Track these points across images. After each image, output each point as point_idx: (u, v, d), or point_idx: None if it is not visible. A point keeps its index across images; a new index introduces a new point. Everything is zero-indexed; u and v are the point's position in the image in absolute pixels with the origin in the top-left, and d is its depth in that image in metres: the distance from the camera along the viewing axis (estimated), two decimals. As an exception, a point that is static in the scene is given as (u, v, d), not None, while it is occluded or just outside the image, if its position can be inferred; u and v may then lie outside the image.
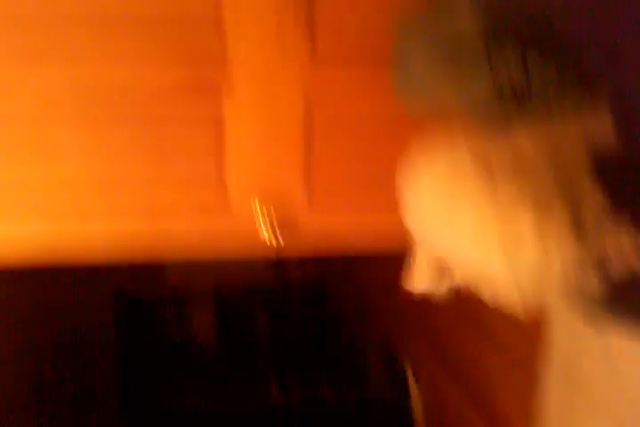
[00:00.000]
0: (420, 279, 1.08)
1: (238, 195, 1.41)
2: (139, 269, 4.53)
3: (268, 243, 1.38)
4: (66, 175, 1.35)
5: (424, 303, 3.00)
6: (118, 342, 4.36)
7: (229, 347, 4.30)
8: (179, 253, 1.42)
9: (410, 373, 3.11)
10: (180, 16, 1.30)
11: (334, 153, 1.44)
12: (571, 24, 0.73)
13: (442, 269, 1.04)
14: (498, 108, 1.12)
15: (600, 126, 1.00)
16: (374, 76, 1.38)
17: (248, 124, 1.38)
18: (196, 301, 4.52)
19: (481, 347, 2.36)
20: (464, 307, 2.52)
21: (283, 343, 4.37)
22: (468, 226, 0.90)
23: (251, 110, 1.37)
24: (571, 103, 1.08)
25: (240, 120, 1.37)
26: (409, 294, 1.17)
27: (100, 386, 4.30)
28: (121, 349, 4.32)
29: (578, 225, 0.85)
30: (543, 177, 0.87)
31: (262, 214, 1.40)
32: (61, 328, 3.95)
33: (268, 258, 4.15)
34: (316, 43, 1.36)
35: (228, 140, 1.38)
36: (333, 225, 1.47)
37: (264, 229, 1.39)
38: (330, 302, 4.79)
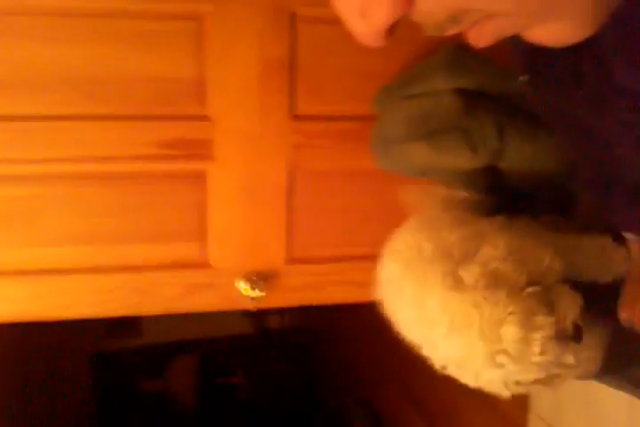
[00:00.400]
0: None
1: (218, 248, 1.43)
2: (116, 323, 4.48)
3: (247, 295, 1.39)
4: (46, 232, 1.36)
5: (409, 366, 3.00)
6: (96, 397, 4.27)
7: (208, 402, 4.22)
8: (159, 307, 1.43)
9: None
10: (162, 75, 1.34)
11: (315, 206, 1.47)
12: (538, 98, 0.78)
13: None
14: (471, 180, 1.17)
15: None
16: (355, 131, 1.43)
17: (230, 180, 1.41)
18: (174, 352, 4.45)
19: (466, 404, 2.35)
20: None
21: (264, 396, 4.30)
22: (439, 313, 0.90)
23: (233, 167, 1.40)
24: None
25: (222, 177, 1.40)
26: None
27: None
28: (99, 404, 4.22)
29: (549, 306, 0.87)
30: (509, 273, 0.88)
31: (242, 268, 1.42)
32: (37, 389, 3.85)
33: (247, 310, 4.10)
34: (297, 99, 1.41)
35: (210, 195, 1.40)
36: (312, 276, 1.49)
37: (242, 281, 1.40)
38: (311, 356, 4.75)
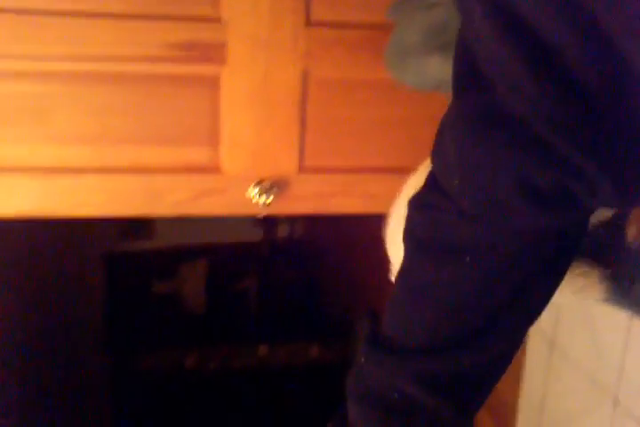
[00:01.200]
0: None
1: (229, 154, 1.43)
2: (129, 224, 4.57)
3: (257, 202, 1.41)
4: (57, 130, 1.36)
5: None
6: (107, 298, 4.41)
7: (218, 304, 4.36)
8: (168, 210, 1.45)
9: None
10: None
11: (327, 115, 1.46)
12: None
13: None
14: None
15: None
16: (369, 39, 1.39)
17: (242, 85, 1.39)
18: (185, 256, 4.56)
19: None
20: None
21: (271, 302, 4.44)
22: None
23: (246, 72, 1.38)
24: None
25: (235, 82, 1.38)
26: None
27: (88, 342, 4.36)
28: (110, 304, 4.37)
29: None
30: None
31: (253, 175, 1.43)
32: (50, 283, 3.98)
33: (257, 216, 4.17)
34: (312, 4, 1.36)
35: (223, 99, 1.39)
36: (323, 187, 1.50)
37: (253, 187, 1.41)
38: (318, 265, 4.84)
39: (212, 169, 1.43)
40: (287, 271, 4.69)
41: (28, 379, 3.52)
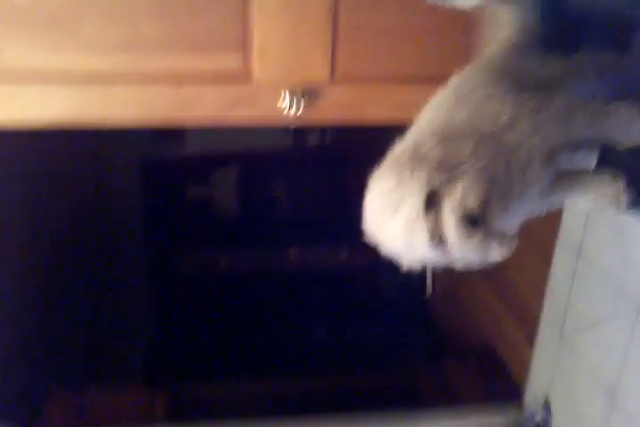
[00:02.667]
0: None
1: (260, 61, 1.42)
2: (162, 133, 4.58)
3: (288, 112, 1.41)
4: (88, 38, 1.36)
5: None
6: (143, 204, 4.51)
7: (249, 209, 4.43)
8: (199, 121, 1.46)
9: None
10: None
11: (359, 22, 1.42)
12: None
13: None
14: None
15: None
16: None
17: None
18: (217, 163, 4.59)
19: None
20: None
21: (301, 208, 4.50)
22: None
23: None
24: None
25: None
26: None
27: (125, 246, 4.51)
28: (145, 211, 4.48)
29: None
30: None
31: (284, 83, 1.42)
32: (87, 190, 4.07)
33: (287, 126, 4.15)
34: None
35: (253, 6, 1.36)
36: (354, 96, 1.49)
37: (285, 97, 1.41)
38: (348, 170, 4.85)
39: (243, 78, 1.42)
40: (316, 178, 4.71)
41: (65, 281, 3.68)
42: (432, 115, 1.06)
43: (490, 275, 2.52)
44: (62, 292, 3.55)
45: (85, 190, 3.97)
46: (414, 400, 2.41)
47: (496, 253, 0.92)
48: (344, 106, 1.48)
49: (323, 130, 5.02)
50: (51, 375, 2.97)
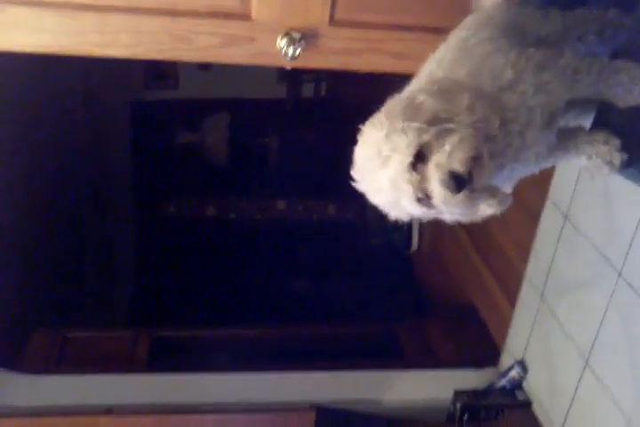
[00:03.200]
0: None
1: (260, 1, 1.37)
2: (155, 73, 4.50)
3: (285, 52, 1.37)
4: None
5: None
6: (132, 147, 4.47)
7: (239, 158, 4.40)
8: (195, 55, 1.42)
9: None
10: None
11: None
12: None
13: None
14: None
15: None
16: None
17: None
18: (209, 109, 4.54)
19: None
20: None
21: (291, 159, 4.47)
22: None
23: None
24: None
25: None
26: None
27: (116, 187, 4.49)
28: (135, 154, 4.44)
29: None
30: None
31: (283, 24, 1.38)
32: (81, 129, 4.02)
33: (282, 70, 4.09)
34: None
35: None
36: (352, 41, 1.45)
37: (283, 38, 1.37)
38: (339, 122, 4.81)
39: (242, 15, 1.38)
40: (308, 130, 4.67)
41: (52, 222, 3.66)
42: (432, 67, 1.03)
43: (475, 234, 2.53)
44: (50, 232, 3.54)
45: (76, 131, 3.92)
46: (394, 354, 2.45)
47: (486, 210, 0.91)
48: (341, 51, 1.45)
49: (318, 80, 4.95)
50: (35, 316, 2.98)
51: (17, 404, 1.88)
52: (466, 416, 1.97)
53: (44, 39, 1.36)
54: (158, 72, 4.50)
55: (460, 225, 2.68)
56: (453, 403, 1.98)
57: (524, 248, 2.04)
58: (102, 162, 4.29)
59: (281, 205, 3.75)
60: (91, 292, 3.99)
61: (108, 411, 1.86)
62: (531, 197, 2.04)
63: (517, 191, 2.16)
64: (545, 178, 1.88)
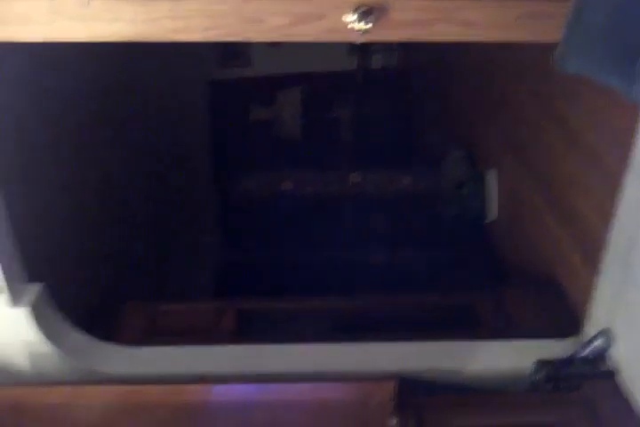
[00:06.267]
0: None
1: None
2: (228, 53, 4.57)
3: (355, 28, 1.38)
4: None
5: (508, 110, 2.96)
6: (209, 125, 4.57)
7: (313, 132, 4.43)
8: (267, 35, 1.44)
9: (490, 173, 3.17)
10: None
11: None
12: None
13: None
14: None
15: None
16: None
17: None
18: (282, 85, 4.57)
19: (566, 153, 2.36)
20: (550, 111, 2.48)
21: (365, 131, 4.47)
22: None
23: None
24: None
25: None
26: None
27: (195, 164, 4.61)
28: (211, 132, 4.54)
29: None
30: None
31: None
32: (162, 108, 4.13)
33: (353, 44, 4.07)
34: None
35: None
36: (422, 12, 1.44)
37: (352, 12, 1.37)
38: (411, 92, 4.75)
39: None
40: (381, 101, 4.65)
41: (136, 200, 3.80)
42: None
43: (554, 202, 2.48)
44: (138, 209, 3.68)
45: (156, 109, 4.03)
46: (473, 325, 2.44)
47: None
48: (411, 23, 1.44)
49: (387, 50, 4.89)
50: (128, 291, 3.14)
51: (113, 373, 2.00)
52: (548, 386, 1.96)
53: (122, 28, 1.41)
54: (232, 52, 4.57)
55: (539, 193, 2.64)
56: (535, 373, 1.97)
57: (606, 215, 1.98)
58: (182, 140, 4.41)
59: (355, 177, 3.76)
60: (176, 266, 4.15)
61: (200, 380, 1.95)
62: (611, 162, 1.98)
63: (598, 155, 2.10)
64: (626, 140, 1.82)
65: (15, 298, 1.89)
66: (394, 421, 1.88)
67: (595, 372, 1.95)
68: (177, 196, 4.39)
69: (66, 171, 2.82)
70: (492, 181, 3.14)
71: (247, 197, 3.86)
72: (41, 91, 2.57)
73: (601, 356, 1.98)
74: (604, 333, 1.98)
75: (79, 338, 2.06)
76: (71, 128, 2.90)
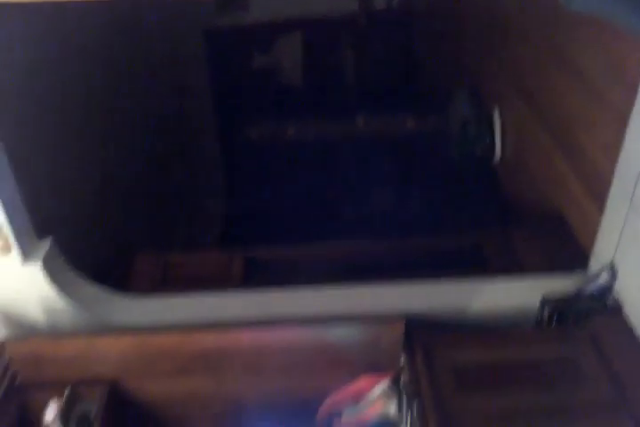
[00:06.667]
0: None
1: None
2: (225, 3, 4.46)
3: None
4: None
5: (512, 48, 2.90)
6: (209, 74, 4.50)
7: (315, 76, 4.37)
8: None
9: (496, 113, 3.12)
10: None
11: None
12: None
13: None
14: None
15: None
16: None
17: None
18: (281, 30, 4.49)
19: (570, 89, 2.32)
20: (554, 48, 2.43)
21: (368, 74, 4.40)
22: None
23: None
24: None
25: None
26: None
27: (195, 118, 4.58)
28: (212, 81, 4.48)
29: None
30: None
31: None
32: (159, 59, 4.08)
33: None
34: None
35: None
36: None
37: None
38: (416, 32, 4.65)
39: None
40: (384, 43, 4.55)
41: (142, 150, 3.80)
42: None
43: (559, 139, 2.45)
44: (143, 162, 3.69)
45: (155, 61, 3.98)
46: (480, 264, 2.46)
47: None
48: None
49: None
50: (137, 243, 3.17)
51: (127, 324, 2.04)
52: (554, 322, 1.98)
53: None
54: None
55: (544, 131, 2.61)
56: (541, 309, 1.99)
57: (612, 151, 1.96)
58: (182, 93, 4.36)
59: (360, 121, 3.71)
60: (185, 215, 4.18)
61: (212, 326, 1.99)
62: (616, 97, 1.94)
63: (602, 92, 2.07)
64: (631, 76, 1.78)
65: (26, 255, 1.92)
66: (403, 359, 1.92)
67: (600, 307, 1.97)
68: (181, 147, 4.39)
69: (73, 121, 2.82)
70: (498, 119, 3.10)
71: (251, 145, 3.84)
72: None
73: (606, 291, 2.00)
74: (609, 268, 1.99)
75: (92, 290, 2.10)
76: (80, 79, 2.89)
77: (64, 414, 1.89)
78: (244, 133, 3.81)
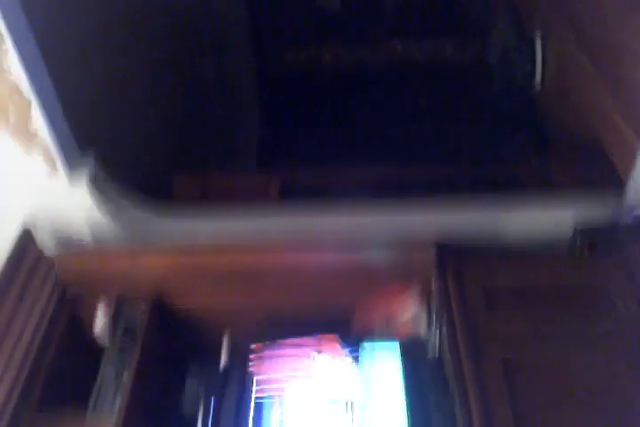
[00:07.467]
0: None
1: None
2: None
3: None
4: None
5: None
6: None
7: (354, 2, 4.26)
8: None
9: (538, 40, 3.03)
10: None
11: None
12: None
13: None
14: None
15: None
16: None
17: None
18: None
19: (623, 19, 2.23)
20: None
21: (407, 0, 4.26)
22: None
23: None
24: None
25: None
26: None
27: (232, 43, 4.51)
28: (250, 2, 4.38)
29: None
30: None
31: None
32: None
33: None
34: None
35: None
36: None
37: None
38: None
39: None
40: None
41: (179, 78, 3.77)
42: None
43: (603, 68, 2.39)
44: (180, 88, 3.68)
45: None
46: (516, 193, 2.45)
47: None
48: None
49: None
50: (178, 163, 3.20)
51: (165, 243, 2.10)
52: (586, 251, 1.99)
53: None
54: None
55: (588, 60, 2.53)
56: (574, 237, 2.00)
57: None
58: (218, 16, 4.29)
59: (397, 45, 3.62)
60: (220, 138, 4.19)
61: (247, 246, 2.04)
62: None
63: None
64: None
65: (72, 174, 1.94)
66: (434, 283, 1.97)
67: (634, 238, 1.98)
68: (216, 75, 4.35)
69: (115, 44, 2.78)
70: (540, 47, 3.02)
71: (288, 70, 3.80)
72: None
73: (641, 221, 1.99)
74: (646, 198, 1.98)
75: (134, 211, 2.14)
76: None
77: (111, 326, 2.00)
78: (280, 59, 3.76)
